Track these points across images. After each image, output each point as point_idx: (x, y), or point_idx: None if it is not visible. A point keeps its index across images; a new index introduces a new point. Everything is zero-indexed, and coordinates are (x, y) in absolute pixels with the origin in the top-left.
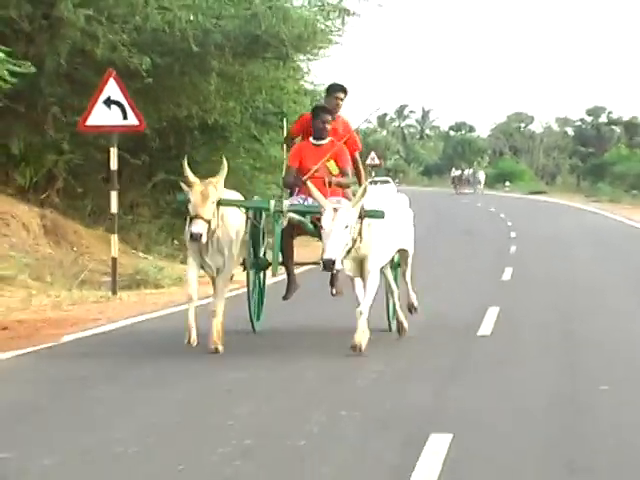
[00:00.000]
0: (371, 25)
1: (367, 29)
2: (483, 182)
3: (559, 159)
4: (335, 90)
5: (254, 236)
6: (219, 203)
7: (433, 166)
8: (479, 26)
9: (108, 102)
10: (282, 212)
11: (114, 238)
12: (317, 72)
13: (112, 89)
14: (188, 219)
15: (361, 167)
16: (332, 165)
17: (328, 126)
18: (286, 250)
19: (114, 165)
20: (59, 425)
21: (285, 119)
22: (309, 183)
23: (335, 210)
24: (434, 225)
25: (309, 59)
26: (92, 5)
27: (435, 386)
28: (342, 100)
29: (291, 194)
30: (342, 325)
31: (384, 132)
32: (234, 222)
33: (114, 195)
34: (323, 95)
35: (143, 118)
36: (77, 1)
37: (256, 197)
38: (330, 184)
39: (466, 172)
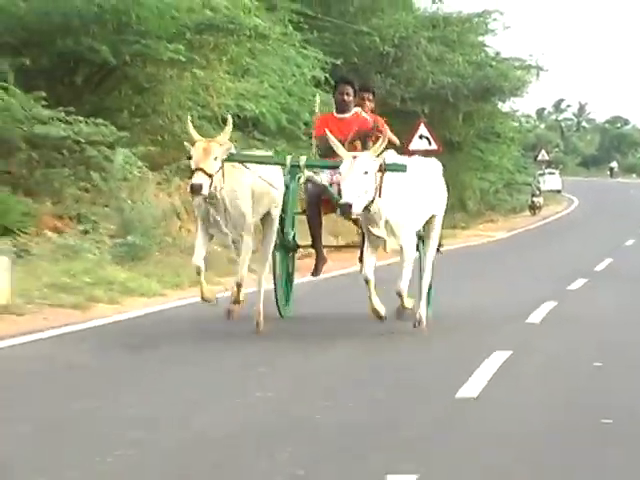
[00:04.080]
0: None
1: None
2: None
3: None
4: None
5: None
6: (229, 160)
7: (590, 158)
8: (631, 20)
9: (420, 136)
10: (299, 167)
11: None
12: None
13: (422, 129)
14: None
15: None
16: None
17: (348, 98)
18: (314, 227)
19: None
20: None
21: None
22: (327, 132)
23: (354, 158)
24: None
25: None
26: (390, 75)
27: None
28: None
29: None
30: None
31: (542, 125)
32: (246, 183)
33: None
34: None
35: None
36: (380, 70)
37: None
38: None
39: None
